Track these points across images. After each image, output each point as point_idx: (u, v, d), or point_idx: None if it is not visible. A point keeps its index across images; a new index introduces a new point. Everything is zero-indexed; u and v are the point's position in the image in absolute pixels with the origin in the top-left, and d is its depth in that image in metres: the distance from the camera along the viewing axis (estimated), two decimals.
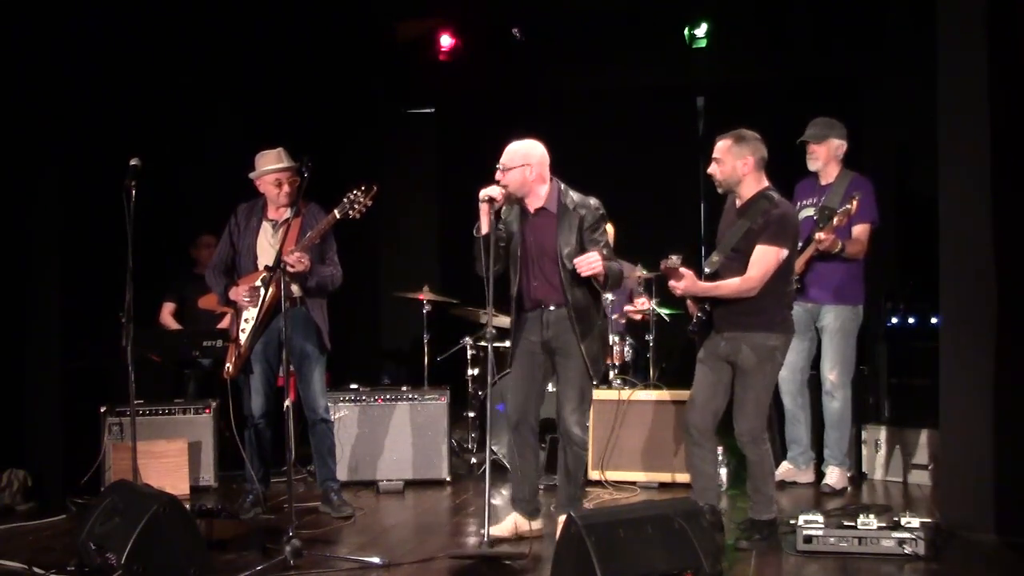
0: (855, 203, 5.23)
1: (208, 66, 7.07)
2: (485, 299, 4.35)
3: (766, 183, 4.43)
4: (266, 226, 5.09)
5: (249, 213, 5.14)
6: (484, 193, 4.36)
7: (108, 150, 5.36)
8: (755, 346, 4.34)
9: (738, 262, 4.35)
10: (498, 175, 4.44)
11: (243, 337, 5.01)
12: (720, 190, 4.51)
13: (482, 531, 4.28)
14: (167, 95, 6.71)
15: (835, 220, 5.26)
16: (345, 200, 4.75)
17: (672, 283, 4.37)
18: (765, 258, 4.28)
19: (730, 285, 4.32)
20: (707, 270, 4.48)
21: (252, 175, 5.08)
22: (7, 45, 5.63)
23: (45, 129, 5.81)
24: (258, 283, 4.90)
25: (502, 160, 4.47)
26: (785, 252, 4.30)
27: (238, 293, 5.02)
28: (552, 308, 4.50)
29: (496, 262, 4.40)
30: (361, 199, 4.73)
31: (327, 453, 5.20)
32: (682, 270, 4.30)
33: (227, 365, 5.05)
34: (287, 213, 5.00)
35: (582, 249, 4.39)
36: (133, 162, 4.71)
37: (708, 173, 4.52)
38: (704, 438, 4.49)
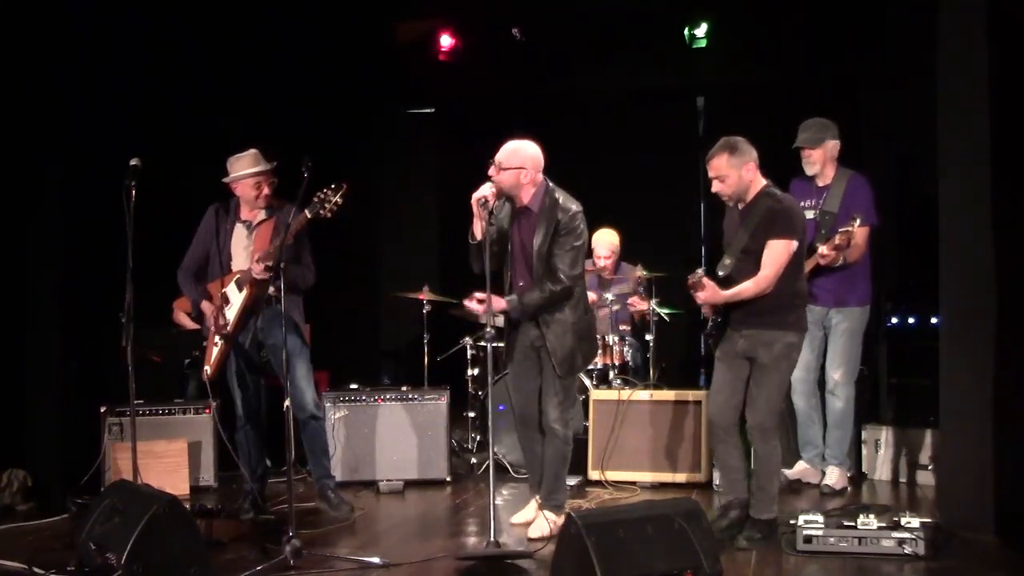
0: (855, 225, 5.21)
1: (209, 66, 7.06)
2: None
3: (764, 181, 4.51)
4: (240, 228, 5.05)
5: (222, 215, 5.10)
6: (478, 195, 4.44)
7: (110, 151, 5.36)
8: (772, 343, 4.42)
9: (749, 263, 4.43)
10: (492, 171, 4.50)
11: (218, 340, 5.00)
12: (730, 203, 4.57)
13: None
14: (170, 96, 6.71)
15: (837, 239, 5.24)
16: (315, 199, 4.62)
17: (696, 294, 4.48)
18: (777, 253, 4.37)
19: (749, 288, 4.39)
20: (720, 273, 4.55)
21: (227, 179, 5.02)
22: (14, 44, 5.64)
23: (47, 131, 5.82)
24: (230, 289, 4.92)
25: (499, 157, 4.51)
26: (795, 243, 4.39)
27: (209, 309, 5.03)
28: None
29: (493, 262, 4.48)
30: (332, 198, 4.60)
31: (320, 451, 5.15)
32: (704, 280, 4.41)
33: (205, 367, 5.05)
34: (261, 215, 5.00)
35: (550, 250, 4.51)
36: (133, 162, 4.71)
37: (714, 192, 4.55)
38: (728, 434, 4.55)
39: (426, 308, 6.73)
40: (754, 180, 4.47)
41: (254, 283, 4.83)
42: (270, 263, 4.68)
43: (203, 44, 6.93)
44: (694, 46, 8.39)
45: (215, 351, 5.00)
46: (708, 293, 4.42)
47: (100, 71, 6.01)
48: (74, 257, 5.86)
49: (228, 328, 4.95)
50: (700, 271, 4.42)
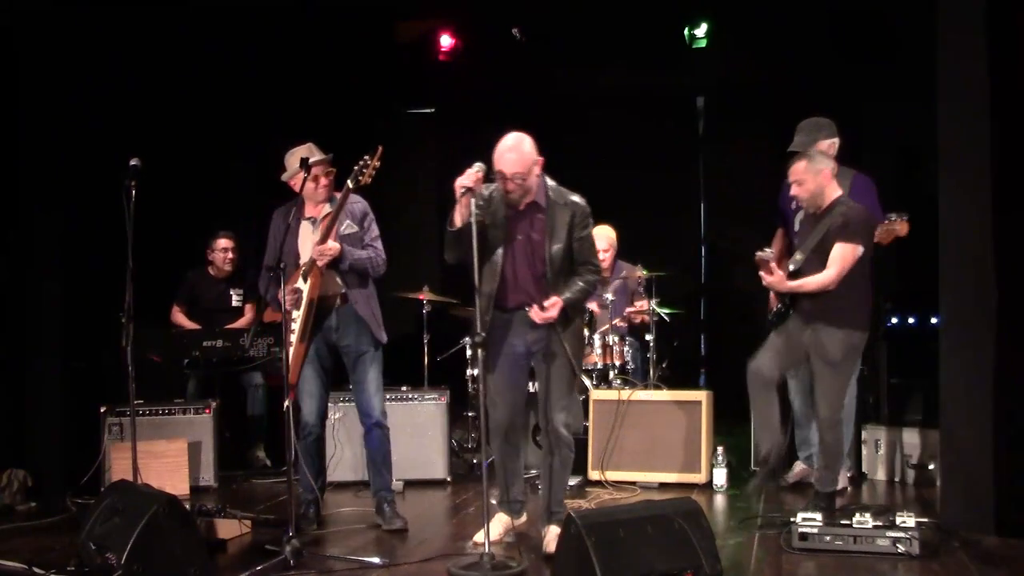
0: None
1: (210, 67, 7.07)
2: (475, 295, 4.16)
3: (840, 191, 4.85)
4: (305, 225, 4.88)
5: (286, 215, 4.89)
6: (461, 183, 4.13)
7: (110, 151, 5.36)
8: (841, 340, 4.70)
9: (817, 261, 4.73)
10: (510, 186, 4.22)
11: (293, 339, 4.76)
12: (807, 208, 4.90)
13: (478, 539, 4.22)
14: (170, 97, 6.71)
15: None
16: (354, 169, 4.60)
17: (763, 274, 4.81)
18: (843, 255, 4.65)
19: (812, 282, 4.71)
20: (791, 268, 4.82)
21: (285, 176, 4.90)
22: (14, 43, 5.64)
23: (49, 131, 5.82)
24: (299, 283, 4.75)
25: (512, 169, 4.19)
26: (861, 249, 4.68)
27: (290, 302, 4.74)
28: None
29: (471, 255, 4.14)
30: (369, 162, 4.60)
31: (382, 461, 4.92)
32: (772, 265, 4.76)
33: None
34: (325, 208, 4.86)
35: (570, 248, 4.30)
36: (133, 162, 4.71)
37: (791, 195, 4.95)
38: (767, 387, 4.86)
39: (426, 308, 6.73)
40: (829, 187, 4.79)
41: (318, 271, 4.70)
42: (328, 249, 4.64)
43: (203, 45, 6.93)
44: (694, 46, 8.39)
45: (291, 351, 4.73)
46: (775, 279, 4.77)
47: (100, 71, 6.01)
48: (74, 257, 5.86)
49: (300, 324, 4.74)
50: (769, 251, 4.84)
